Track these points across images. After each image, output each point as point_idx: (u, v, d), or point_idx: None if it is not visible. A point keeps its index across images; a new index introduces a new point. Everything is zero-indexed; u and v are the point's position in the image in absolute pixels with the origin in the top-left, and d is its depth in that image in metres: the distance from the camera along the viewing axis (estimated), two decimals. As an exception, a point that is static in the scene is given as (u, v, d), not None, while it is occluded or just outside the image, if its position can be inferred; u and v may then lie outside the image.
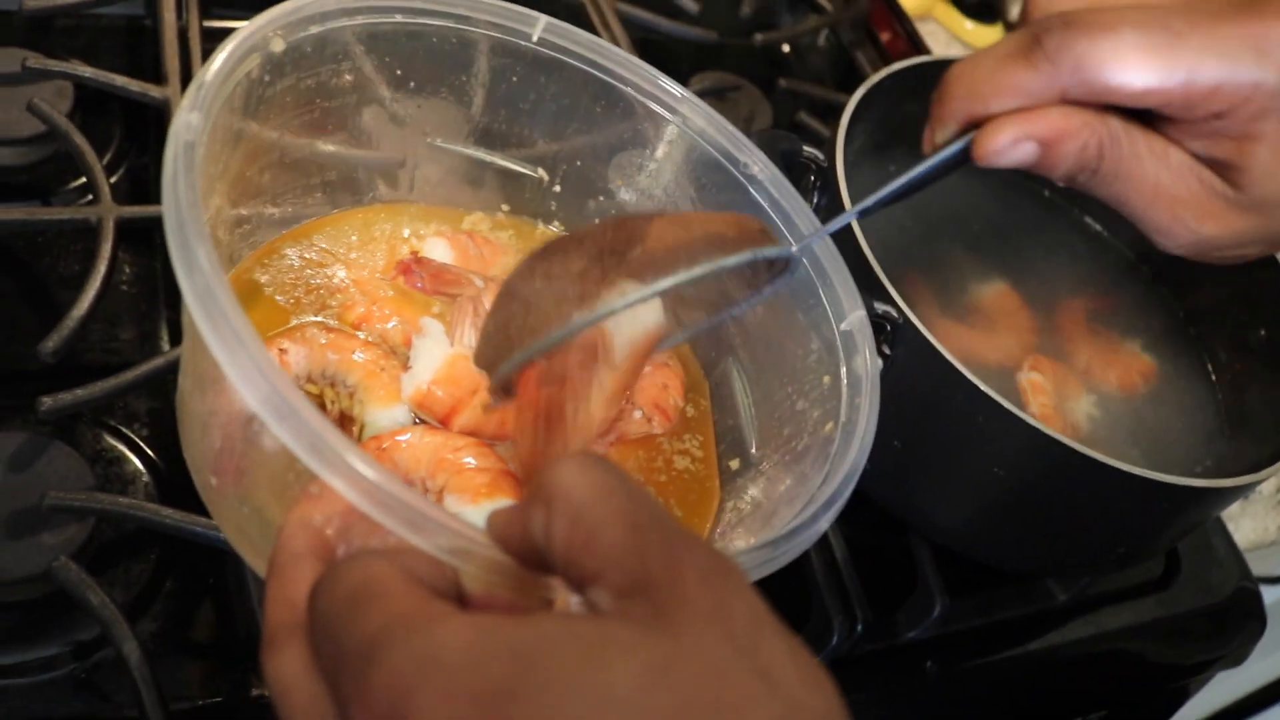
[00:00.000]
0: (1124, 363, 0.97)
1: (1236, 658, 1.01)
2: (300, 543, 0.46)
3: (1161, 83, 0.52)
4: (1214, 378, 0.98)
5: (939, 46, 1.44)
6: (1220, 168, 0.55)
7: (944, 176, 0.59)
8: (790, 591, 0.84)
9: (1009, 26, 1.52)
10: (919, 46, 1.33)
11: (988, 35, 1.48)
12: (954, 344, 0.74)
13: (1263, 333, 0.94)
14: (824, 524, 0.57)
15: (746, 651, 0.35)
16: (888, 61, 1.28)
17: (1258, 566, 1.08)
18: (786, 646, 0.36)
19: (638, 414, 0.71)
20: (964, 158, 0.57)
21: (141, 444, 0.78)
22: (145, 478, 0.76)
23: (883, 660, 0.85)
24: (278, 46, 0.64)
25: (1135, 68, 0.52)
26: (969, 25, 1.48)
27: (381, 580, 0.39)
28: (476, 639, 0.35)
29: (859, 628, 0.81)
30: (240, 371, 0.46)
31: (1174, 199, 0.56)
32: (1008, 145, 0.55)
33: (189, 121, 0.55)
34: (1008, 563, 0.88)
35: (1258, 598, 1.03)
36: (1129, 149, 0.55)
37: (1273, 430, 0.89)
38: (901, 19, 1.36)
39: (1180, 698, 1.03)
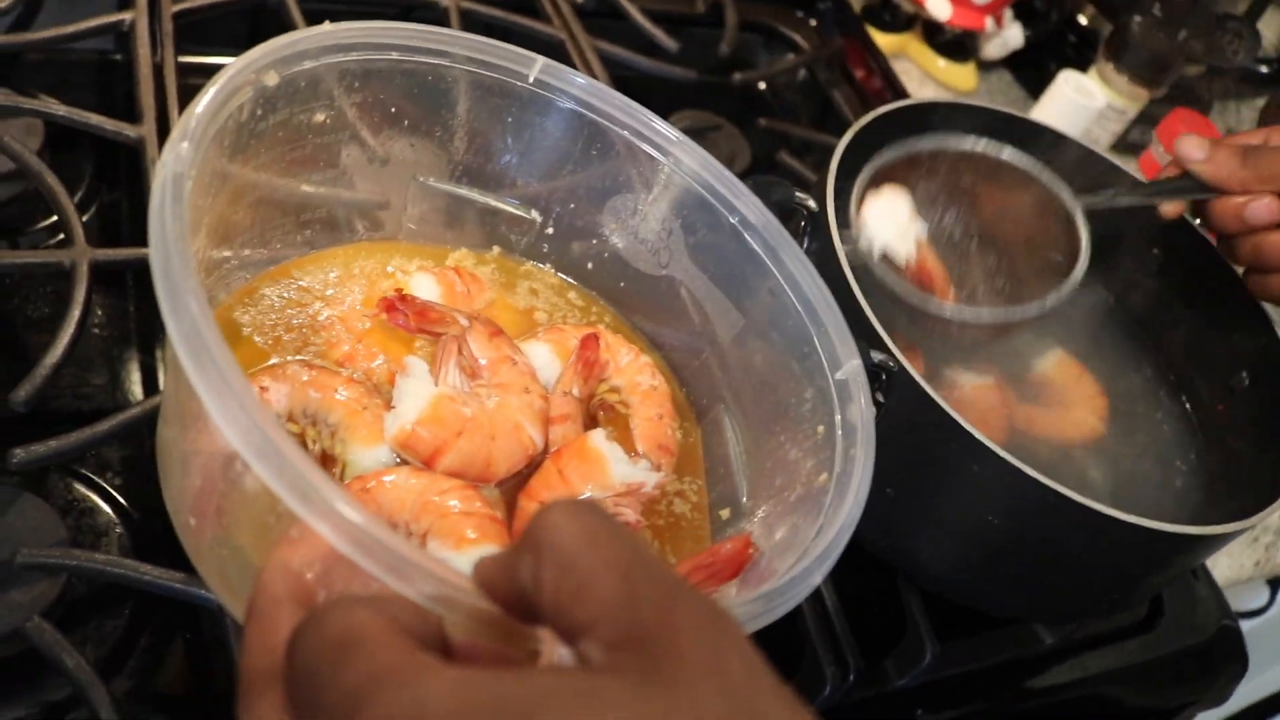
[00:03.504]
0: (1095, 407, 0.97)
1: (1219, 698, 1.01)
2: (281, 587, 0.45)
3: None
4: (1195, 421, 0.98)
5: (913, 84, 1.45)
6: None
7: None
8: (782, 639, 0.83)
9: (981, 65, 1.53)
10: (893, 84, 1.34)
11: (960, 73, 1.49)
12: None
13: (1245, 376, 0.94)
14: (818, 578, 0.56)
15: (743, 708, 0.34)
16: (864, 99, 1.29)
17: (1234, 601, 1.09)
18: (783, 702, 0.36)
19: (644, 464, 0.70)
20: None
21: (115, 493, 0.75)
22: (119, 528, 0.74)
23: (872, 708, 0.84)
24: (271, 80, 0.63)
25: None
26: (942, 63, 1.49)
27: (365, 630, 0.37)
28: (463, 694, 0.34)
29: (851, 676, 0.81)
30: (223, 410, 0.44)
31: None
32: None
33: (179, 152, 0.53)
34: (999, 609, 0.88)
35: (1239, 636, 1.04)
36: None
37: (1256, 474, 0.89)
38: (876, 57, 1.37)
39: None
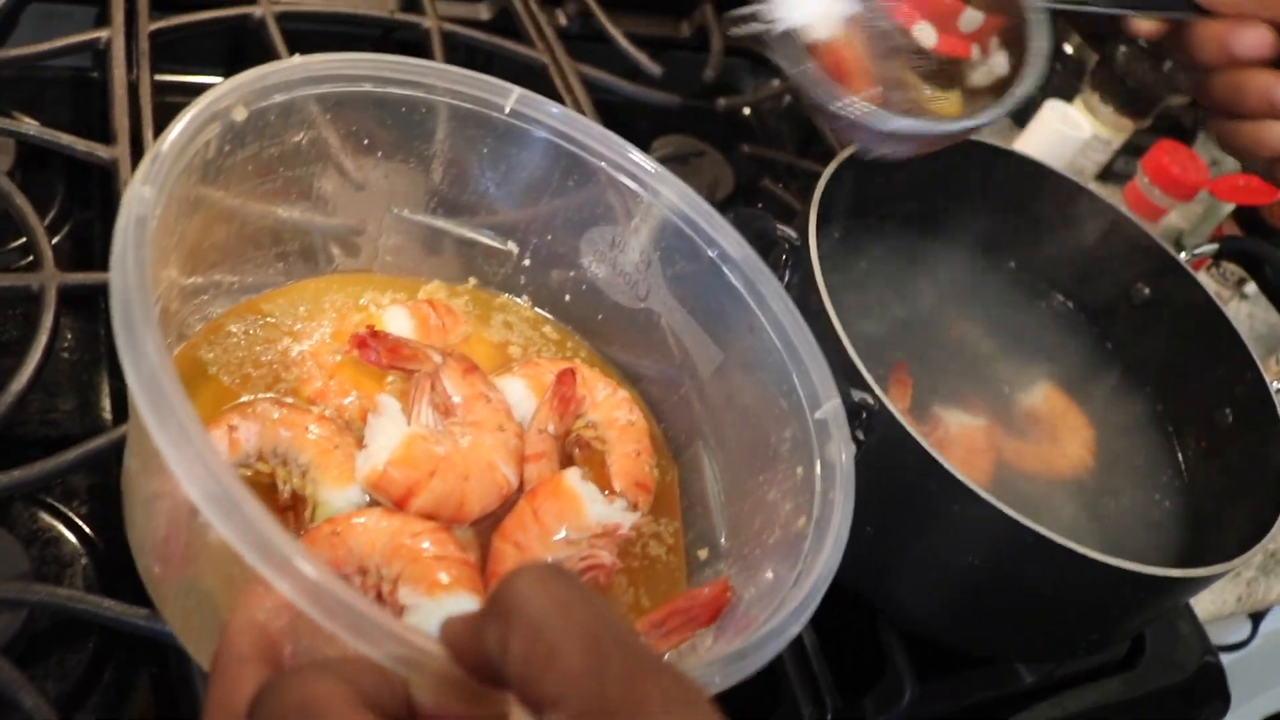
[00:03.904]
0: (1084, 439, 0.97)
1: (1201, 737, 1.01)
2: (245, 644, 0.44)
3: None
4: (1180, 456, 0.98)
5: (897, 111, 1.44)
6: None
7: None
8: (759, 679, 0.81)
9: (966, 92, 1.52)
10: (879, 111, 1.33)
11: (945, 100, 1.48)
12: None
13: (1228, 413, 0.93)
14: (794, 631, 0.55)
15: None
16: (849, 127, 1.28)
17: (1215, 635, 1.09)
18: None
19: (620, 504, 0.69)
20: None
21: (80, 523, 0.74)
22: (84, 559, 0.73)
23: (850, 749, 0.83)
24: (240, 115, 0.62)
25: None
26: (926, 91, 1.48)
27: (324, 701, 0.37)
28: None
29: (829, 716, 0.79)
30: (184, 464, 0.44)
31: None
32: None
33: (141, 195, 0.52)
34: (979, 648, 0.87)
35: (1221, 673, 1.03)
36: None
37: (1239, 511, 0.88)
38: (862, 83, 1.36)
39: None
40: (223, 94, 0.60)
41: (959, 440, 0.88)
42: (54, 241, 0.84)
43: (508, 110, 0.72)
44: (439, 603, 0.59)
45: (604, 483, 0.71)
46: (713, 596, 0.64)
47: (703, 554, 0.72)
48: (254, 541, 0.43)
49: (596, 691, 0.35)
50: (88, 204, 0.92)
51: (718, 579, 0.66)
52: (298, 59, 0.64)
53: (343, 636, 0.41)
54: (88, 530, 0.74)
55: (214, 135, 0.60)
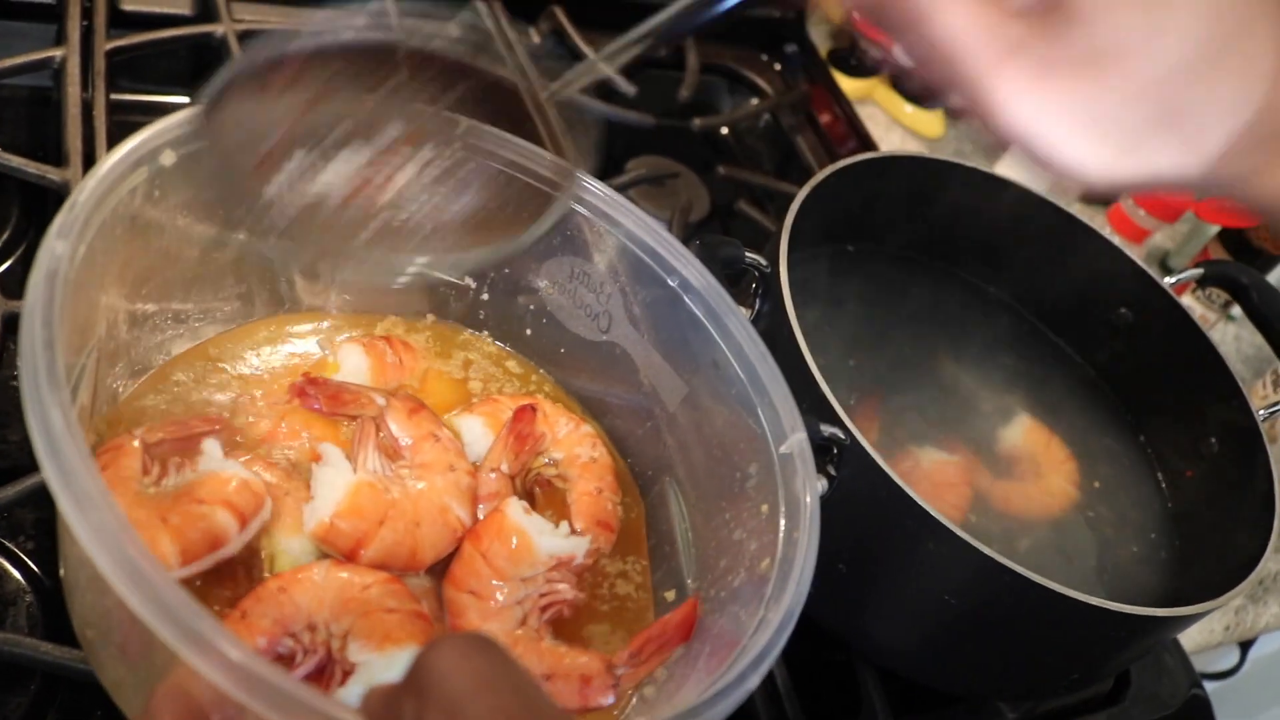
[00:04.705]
0: (1067, 472, 0.95)
1: (1187, 772, 0.98)
2: (168, 714, 0.44)
3: None
4: (1165, 487, 0.96)
5: (878, 130, 1.43)
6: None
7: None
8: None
9: (948, 112, 1.51)
10: (859, 130, 1.32)
11: (927, 119, 1.47)
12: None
13: (1214, 442, 0.91)
14: (754, 681, 0.53)
15: None
16: (827, 145, 1.26)
17: (1204, 662, 1.07)
18: None
19: (564, 528, 0.67)
20: None
21: (25, 559, 0.71)
22: (29, 596, 0.70)
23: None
24: (168, 160, 0.60)
25: None
26: (908, 109, 1.47)
27: None
28: None
29: (801, 759, 0.77)
30: (89, 535, 0.43)
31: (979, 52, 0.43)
32: None
33: (54, 250, 0.51)
34: (957, 687, 0.85)
35: (1208, 707, 1.01)
36: None
37: (1226, 543, 0.86)
38: (841, 102, 1.34)
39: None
40: (146, 139, 0.58)
41: (930, 475, 0.86)
42: (6, 266, 0.82)
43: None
44: (389, 658, 0.57)
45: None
46: (682, 618, 0.63)
47: (670, 595, 0.70)
48: (171, 619, 0.42)
49: None
50: (43, 227, 0.89)
51: (686, 600, 0.65)
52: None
53: (264, 713, 0.41)
54: (33, 566, 0.71)
55: (141, 181, 0.58)
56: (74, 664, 0.63)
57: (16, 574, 0.71)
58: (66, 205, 0.53)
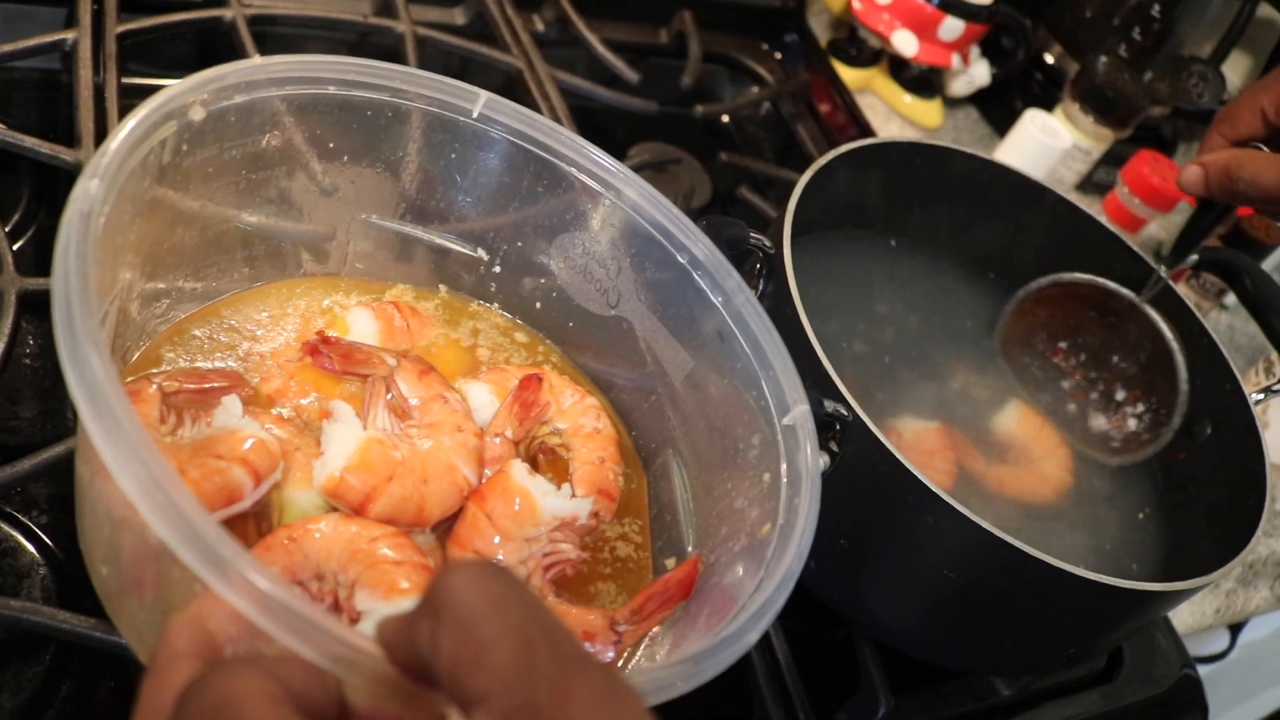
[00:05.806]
0: (1060, 458, 0.96)
1: (1179, 750, 1.00)
2: (183, 641, 0.44)
3: None
4: (1158, 469, 0.97)
5: (878, 119, 1.44)
6: None
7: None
8: (731, 692, 0.81)
9: (947, 101, 1.52)
10: (858, 119, 1.33)
11: (926, 109, 1.48)
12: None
13: (1207, 425, 0.93)
14: (754, 636, 0.54)
15: None
16: (827, 134, 1.27)
17: (1194, 646, 1.08)
18: None
19: (566, 489, 0.68)
20: None
21: (40, 533, 0.72)
22: (43, 569, 0.71)
23: (823, 763, 0.82)
24: (198, 115, 0.61)
25: None
26: (907, 99, 1.48)
27: (244, 696, 0.37)
28: None
29: (801, 731, 0.78)
30: (120, 463, 0.43)
31: None
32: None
33: (87, 190, 0.51)
34: (955, 662, 0.86)
35: (1199, 686, 1.02)
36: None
37: (1218, 523, 0.87)
38: (841, 92, 1.36)
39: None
40: (179, 93, 0.58)
41: (914, 444, 0.87)
42: (18, 246, 0.83)
43: (475, 115, 0.71)
44: (395, 607, 0.57)
45: (566, 489, 0.70)
46: (684, 575, 0.64)
47: (670, 563, 0.71)
48: (192, 542, 0.42)
49: (524, 689, 0.35)
50: (54, 209, 0.90)
51: (687, 559, 0.66)
52: (259, 59, 0.63)
53: (280, 637, 0.41)
54: (47, 540, 0.72)
55: (170, 134, 0.59)
56: (89, 632, 0.64)
57: (31, 548, 0.72)
58: (98, 152, 0.53)
